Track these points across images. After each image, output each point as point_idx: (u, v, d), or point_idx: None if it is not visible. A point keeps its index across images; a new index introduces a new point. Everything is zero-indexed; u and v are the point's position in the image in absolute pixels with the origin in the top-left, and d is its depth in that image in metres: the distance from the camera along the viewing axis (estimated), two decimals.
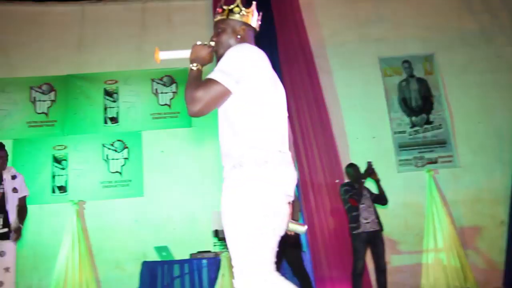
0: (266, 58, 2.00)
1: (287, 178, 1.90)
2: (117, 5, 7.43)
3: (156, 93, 6.94)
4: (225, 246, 5.43)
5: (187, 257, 5.11)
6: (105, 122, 6.80)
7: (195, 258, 4.94)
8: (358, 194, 5.14)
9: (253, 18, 2.14)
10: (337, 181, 6.43)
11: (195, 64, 2.02)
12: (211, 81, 1.87)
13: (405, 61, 7.22)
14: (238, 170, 1.85)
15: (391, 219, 6.04)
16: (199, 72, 2.02)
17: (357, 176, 5.33)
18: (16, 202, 4.41)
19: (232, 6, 2.10)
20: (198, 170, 6.62)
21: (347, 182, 5.53)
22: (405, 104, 7.08)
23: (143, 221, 6.43)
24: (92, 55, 7.13)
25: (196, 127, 6.80)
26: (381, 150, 6.84)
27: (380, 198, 5.37)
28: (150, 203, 6.49)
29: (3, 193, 4.26)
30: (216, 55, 2.11)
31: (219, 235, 5.30)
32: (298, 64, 6.89)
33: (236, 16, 2.09)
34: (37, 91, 6.92)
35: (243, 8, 2.10)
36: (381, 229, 5.28)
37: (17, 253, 6.17)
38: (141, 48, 7.19)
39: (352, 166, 5.48)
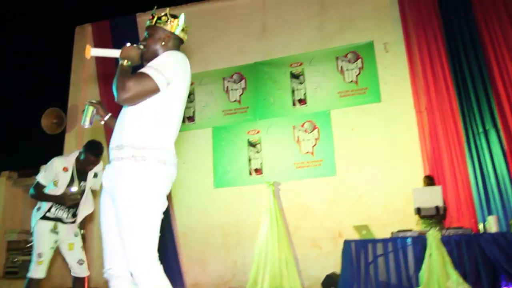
0: (189, 66, 2.27)
1: (173, 177, 2.20)
2: None
3: (341, 71, 6.82)
4: (428, 224, 5.09)
5: (385, 236, 4.92)
6: (294, 104, 6.94)
7: (399, 237, 4.72)
8: None
9: (178, 28, 2.35)
10: None
11: (126, 60, 2.18)
12: (145, 75, 2.07)
13: None
14: (139, 163, 2.07)
15: None
16: (130, 68, 2.19)
17: None
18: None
19: (161, 15, 2.33)
20: (390, 145, 6.34)
21: None
22: None
23: (337, 200, 6.42)
24: (276, 40, 7.33)
25: (385, 101, 6.51)
26: None
27: None
28: (343, 182, 6.44)
29: (83, 190, 4.25)
30: (143, 57, 2.30)
31: (421, 213, 4.98)
32: (499, 18, 6.08)
33: (163, 24, 2.32)
34: (229, 81, 7.39)
35: (170, 18, 2.32)
36: None
37: (223, 231, 6.83)
38: (322, 28, 7.15)
39: None
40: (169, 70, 2.13)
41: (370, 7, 6.98)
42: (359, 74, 6.72)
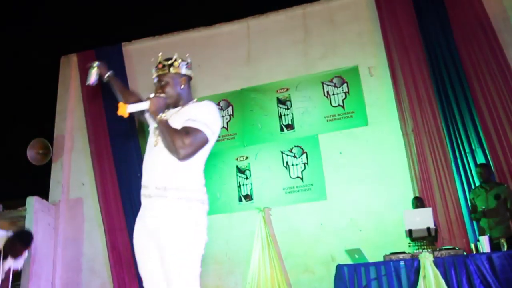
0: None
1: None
2: (278, 15, 7.62)
3: (327, 96, 6.89)
4: (419, 247, 5.10)
5: (378, 259, 4.91)
6: (282, 130, 6.97)
7: (391, 260, 4.71)
8: None
9: (189, 69, 2.50)
10: None
11: (162, 114, 2.25)
12: (198, 131, 2.23)
13: None
14: (184, 204, 2.22)
15: None
16: (167, 121, 2.27)
17: None
18: None
19: (171, 62, 2.44)
20: (379, 168, 6.38)
21: None
22: None
23: (328, 224, 6.41)
24: (261, 67, 7.40)
25: (372, 125, 6.58)
26: None
27: None
28: (333, 206, 6.44)
29: None
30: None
31: (413, 235, 4.99)
32: (478, 41, 6.25)
33: (176, 70, 2.43)
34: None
35: (180, 61, 2.45)
36: None
37: (214, 259, 6.75)
38: (307, 53, 7.25)
39: None
40: (214, 123, 2.33)
41: (353, 33, 7.11)
42: (345, 98, 6.80)
